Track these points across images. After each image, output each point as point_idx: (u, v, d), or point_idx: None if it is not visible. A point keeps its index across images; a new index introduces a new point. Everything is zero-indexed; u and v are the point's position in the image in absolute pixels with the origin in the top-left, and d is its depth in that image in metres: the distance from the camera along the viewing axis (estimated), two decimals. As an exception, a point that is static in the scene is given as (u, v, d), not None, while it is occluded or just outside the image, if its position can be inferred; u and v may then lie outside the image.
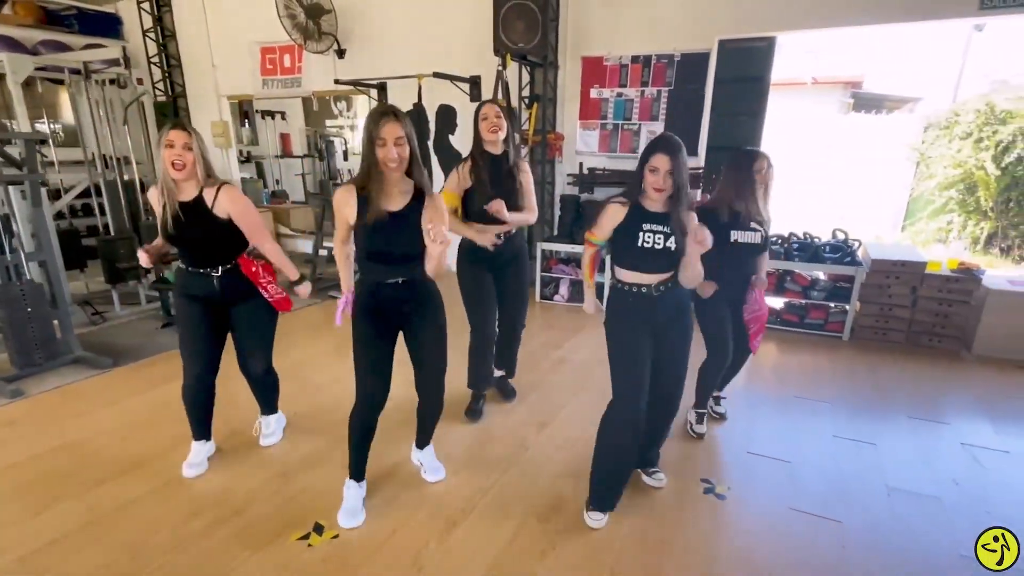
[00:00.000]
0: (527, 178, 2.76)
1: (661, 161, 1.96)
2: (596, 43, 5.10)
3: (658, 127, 4.98)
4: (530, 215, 2.78)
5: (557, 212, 5.47)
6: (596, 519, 2.17)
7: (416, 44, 5.80)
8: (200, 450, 2.53)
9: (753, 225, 2.59)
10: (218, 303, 2.33)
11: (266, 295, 2.37)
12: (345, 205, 1.95)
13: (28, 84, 5.59)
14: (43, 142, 4.97)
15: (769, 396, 3.33)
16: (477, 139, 2.67)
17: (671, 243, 2.02)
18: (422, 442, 2.48)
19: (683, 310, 2.18)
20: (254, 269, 2.34)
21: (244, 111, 9.33)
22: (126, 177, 4.94)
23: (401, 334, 2.16)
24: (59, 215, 5.20)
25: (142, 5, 7.09)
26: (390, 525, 2.16)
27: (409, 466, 2.53)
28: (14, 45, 6.29)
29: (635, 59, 4.97)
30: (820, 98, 9.06)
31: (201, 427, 2.51)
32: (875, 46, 9.13)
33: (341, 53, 6.24)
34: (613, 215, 2.09)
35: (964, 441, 2.79)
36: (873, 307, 4.10)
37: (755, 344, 2.75)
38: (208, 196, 2.19)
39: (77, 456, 2.59)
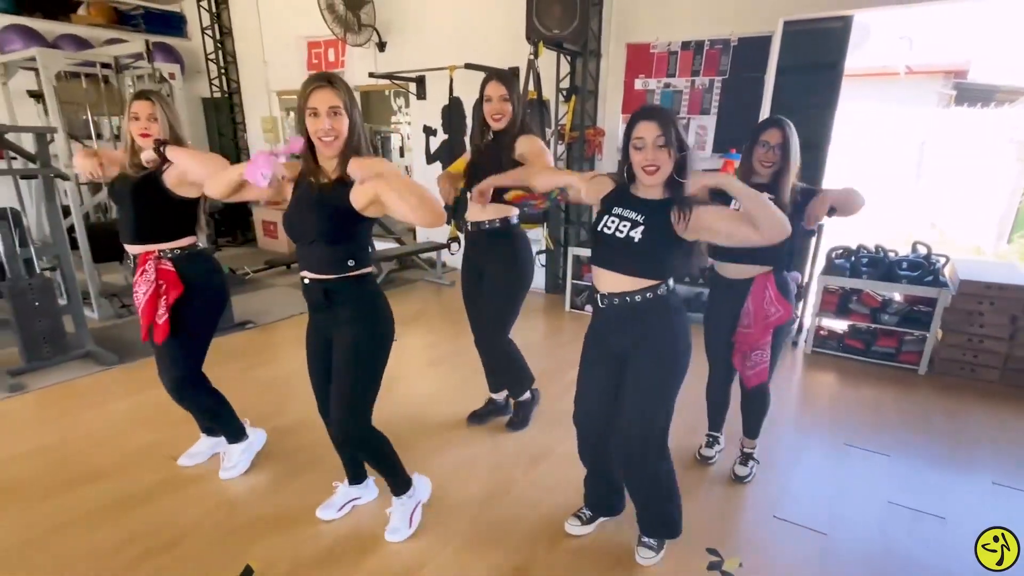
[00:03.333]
0: (530, 144, 2.32)
1: (647, 129, 1.56)
2: (643, 28, 4.62)
3: (709, 121, 4.45)
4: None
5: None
6: (570, 523, 2.09)
7: (454, 34, 5.53)
8: (203, 442, 2.55)
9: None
10: None
11: (135, 303, 2.11)
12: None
13: (107, 80, 5.83)
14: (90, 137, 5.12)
15: (814, 442, 2.80)
16: (480, 119, 2.41)
17: (636, 233, 1.60)
18: (390, 487, 2.07)
19: (650, 334, 1.70)
20: (139, 269, 2.10)
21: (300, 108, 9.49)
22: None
23: None
24: (105, 208, 5.35)
25: (201, 3, 7.28)
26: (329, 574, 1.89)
27: (376, 505, 2.25)
28: (81, 43, 6.59)
29: (686, 45, 4.46)
30: (914, 90, 8.02)
31: (200, 422, 2.52)
32: (983, 28, 7.98)
33: (382, 46, 6.08)
34: (600, 183, 1.79)
35: (1069, 524, 2.18)
36: (959, 336, 3.42)
37: (736, 363, 2.25)
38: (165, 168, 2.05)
39: (45, 462, 2.50)
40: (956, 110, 7.98)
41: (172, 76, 4.54)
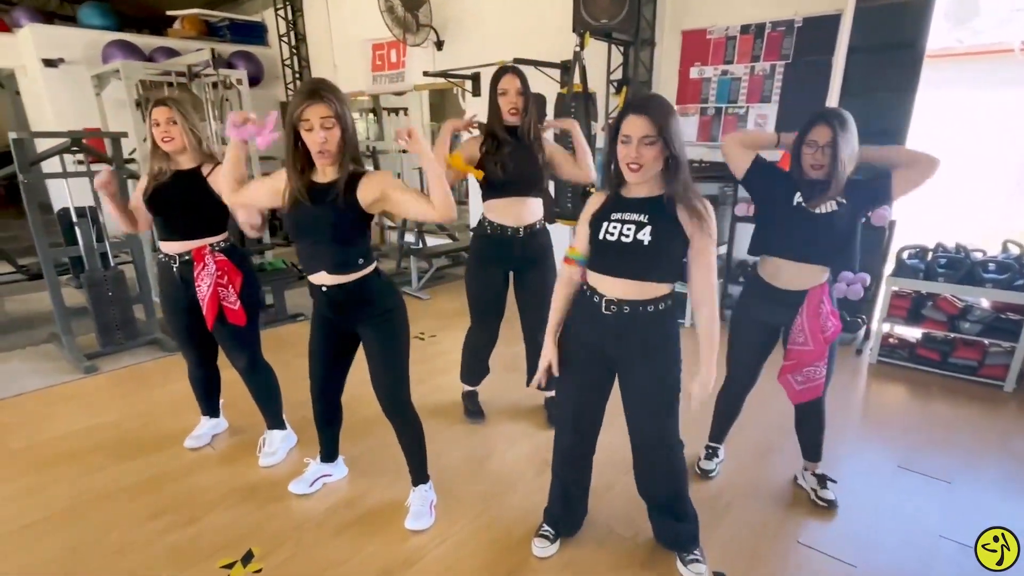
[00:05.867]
0: (555, 151, 2.47)
1: (634, 126, 1.46)
2: (699, 13, 4.38)
3: (770, 110, 4.14)
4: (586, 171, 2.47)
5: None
6: (539, 545, 1.94)
7: (509, 30, 5.52)
8: (204, 424, 2.70)
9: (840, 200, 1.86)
10: (189, 295, 2.27)
11: (199, 296, 2.23)
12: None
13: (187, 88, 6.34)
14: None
15: (861, 462, 2.52)
16: (495, 111, 2.36)
17: (644, 235, 1.50)
18: (412, 476, 2.16)
19: (653, 344, 1.62)
20: (198, 264, 2.21)
21: (372, 108, 9.86)
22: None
23: None
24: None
25: (279, 12, 7.72)
26: (325, 559, 1.93)
27: (388, 493, 2.29)
28: (173, 55, 7.18)
29: (745, 29, 4.17)
30: (1034, 68, 7.07)
31: (203, 405, 2.68)
32: None
33: (440, 45, 6.17)
34: (587, 209, 1.66)
35: None
36: (1056, 350, 2.98)
37: (784, 382, 2.06)
38: (206, 169, 2.21)
39: (102, 437, 2.74)
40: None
41: (239, 81, 4.82)
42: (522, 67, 4.67)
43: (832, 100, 3.90)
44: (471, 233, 2.62)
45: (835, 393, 3.10)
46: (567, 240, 5.30)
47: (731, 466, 2.44)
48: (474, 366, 2.81)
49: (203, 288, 2.24)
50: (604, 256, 1.59)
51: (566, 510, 1.96)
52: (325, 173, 1.75)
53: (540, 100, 5.44)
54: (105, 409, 3.03)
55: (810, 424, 2.18)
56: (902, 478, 2.38)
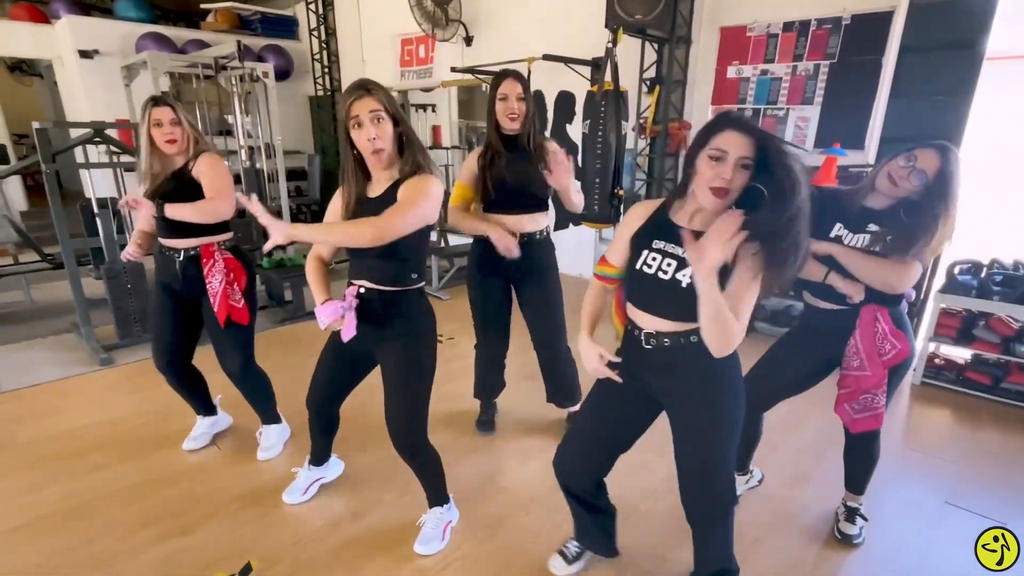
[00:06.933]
0: (557, 159, 2.15)
1: (736, 142, 1.22)
2: (739, 9, 4.17)
3: (812, 112, 3.92)
4: (573, 196, 2.23)
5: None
6: (553, 563, 1.86)
7: (540, 25, 5.37)
8: (201, 424, 2.62)
9: (872, 228, 1.69)
10: (183, 292, 2.23)
11: (210, 292, 2.18)
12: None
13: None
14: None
15: (903, 496, 2.32)
16: (492, 120, 2.22)
17: (684, 275, 1.32)
18: (429, 500, 2.04)
19: (700, 374, 1.42)
20: (207, 261, 2.19)
21: (400, 104, 9.81)
22: (258, 165, 5.30)
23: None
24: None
25: (310, 6, 7.72)
26: (320, 582, 1.84)
27: (396, 508, 2.19)
28: (204, 47, 7.23)
29: (788, 26, 3.95)
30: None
31: (193, 403, 2.58)
32: None
33: (469, 40, 6.06)
34: (629, 219, 1.48)
35: None
36: None
37: (841, 412, 1.87)
38: (191, 164, 2.14)
39: (107, 434, 2.70)
40: None
41: (266, 75, 4.79)
42: (552, 63, 4.61)
43: (880, 102, 3.67)
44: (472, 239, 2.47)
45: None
46: (589, 247, 5.15)
47: (760, 495, 2.26)
48: (487, 380, 2.70)
49: (215, 284, 2.20)
50: (640, 288, 1.43)
51: (578, 522, 1.84)
52: (380, 181, 1.65)
53: (569, 98, 5.33)
54: (115, 404, 2.99)
55: (860, 455, 1.98)
56: (949, 516, 2.17)
